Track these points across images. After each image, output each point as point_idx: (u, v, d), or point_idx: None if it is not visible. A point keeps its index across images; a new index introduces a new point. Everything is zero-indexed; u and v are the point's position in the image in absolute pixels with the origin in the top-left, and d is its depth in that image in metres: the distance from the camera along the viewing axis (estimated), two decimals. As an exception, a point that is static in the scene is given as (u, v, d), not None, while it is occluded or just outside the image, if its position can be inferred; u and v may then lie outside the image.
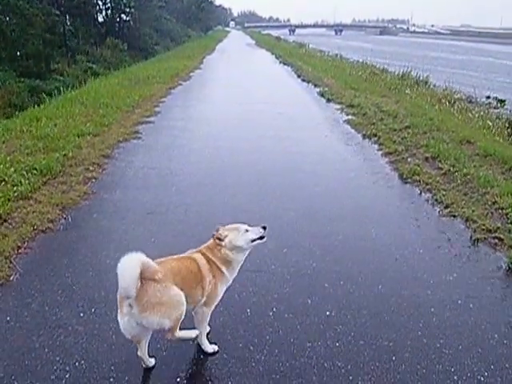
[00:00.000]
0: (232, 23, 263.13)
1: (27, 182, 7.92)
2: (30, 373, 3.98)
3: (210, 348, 4.30)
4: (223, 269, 4.19)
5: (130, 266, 3.50)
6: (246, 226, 4.27)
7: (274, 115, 15.56)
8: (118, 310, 3.71)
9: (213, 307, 4.22)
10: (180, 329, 3.89)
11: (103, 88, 19.11)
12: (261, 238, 4.27)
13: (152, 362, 4.07)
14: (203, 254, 4.14)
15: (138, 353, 3.98)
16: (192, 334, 4.08)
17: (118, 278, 3.49)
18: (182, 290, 3.82)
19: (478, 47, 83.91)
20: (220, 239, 4.16)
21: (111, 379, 3.93)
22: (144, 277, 3.55)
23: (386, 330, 4.66)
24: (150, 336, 3.96)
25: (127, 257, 3.52)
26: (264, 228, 4.29)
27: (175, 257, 4.10)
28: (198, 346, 4.32)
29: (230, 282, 4.31)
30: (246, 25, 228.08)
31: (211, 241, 4.23)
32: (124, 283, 3.50)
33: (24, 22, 25.67)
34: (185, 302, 3.79)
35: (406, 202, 7.98)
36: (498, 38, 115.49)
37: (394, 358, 4.25)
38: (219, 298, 4.24)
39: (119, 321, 3.73)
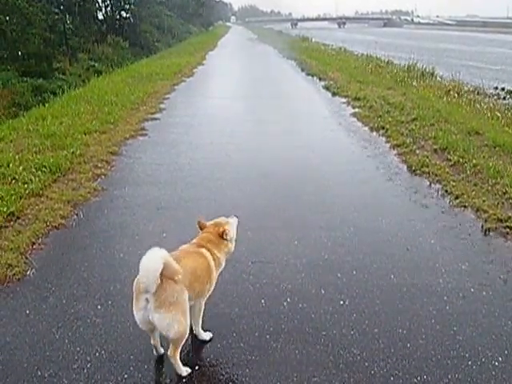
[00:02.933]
0: (233, 18, 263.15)
1: (37, 179, 8.06)
2: (53, 363, 4.11)
3: (207, 335, 4.46)
4: (222, 261, 4.42)
5: (154, 261, 3.60)
6: (228, 219, 4.62)
7: (279, 109, 15.68)
8: (134, 303, 3.81)
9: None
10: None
11: (107, 86, 19.24)
12: None
13: (162, 350, 4.18)
14: (208, 249, 4.28)
15: (152, 341, 4.12)
16: (183, 372, 4.03)
17: (139, 271, 3.61)
18: (195, 287, 4.01)
19: (484, 37, 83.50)
20: (226, 234, 4.39)
21: (131, 368, 4.05)
22: (164, 274, 3.65)
23: (399, 318, 4.75)
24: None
25: (152, 252, 3.62)
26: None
27: (185, 252, 4.22)
28: (217, 334, 4.48)
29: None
30: (247, 19, 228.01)
31: (209, 235, 4.40)
32: (146, 278, 3.60)
33: (24, 21, 25.71)
34: (189, 320, 3.94)
35: (416, 193, 8.06)
36: (505, 28, 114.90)
37: (408, 345, 4.35)
38: (213, 287, 4.38)
39: (134, 313, 3.83)
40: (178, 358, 3.97)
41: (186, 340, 4.05)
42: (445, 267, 5.68)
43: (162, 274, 3.62)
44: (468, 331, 4.55)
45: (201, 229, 4.52)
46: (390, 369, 4.07)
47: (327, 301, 5.04)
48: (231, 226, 4.54)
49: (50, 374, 4.01)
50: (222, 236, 4.38)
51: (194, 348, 4.35)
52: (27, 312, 4.84)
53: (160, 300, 3.68)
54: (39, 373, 4.01)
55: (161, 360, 4.17)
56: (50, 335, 4.48)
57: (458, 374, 4.01)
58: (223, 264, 4.45)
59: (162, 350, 4.18)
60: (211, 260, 4.23)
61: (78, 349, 4.29)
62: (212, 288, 4.33)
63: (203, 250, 4.25)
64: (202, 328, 4.44)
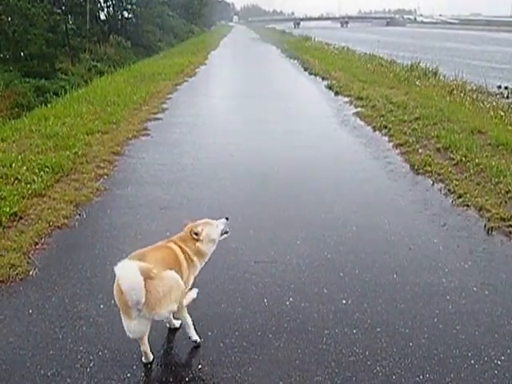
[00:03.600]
0: (235, 18, 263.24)
1: (40, 179, 8.09)
2: (56, 362, 4.14)
3: (177, 323, 4.51)
4: (195, 259, 4.39)
5: (134, 277, 3.59)
6: (215, 221, 4.56)
7: (281, 109, 15.71)
8: (124, 317, 3.82)
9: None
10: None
11: (109, 86, 19.28)
12: (226, 232, 4.59)
13: (151, 356, 4.18)
14: (176, 244, 4.32)
15: (142, 348, 4.11)
16: (193, 295, 4.29)
17: (124, 291, 3.61)
18: None
19: (488, 36, 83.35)
20: (197, 234, 4.37)
21: (134, 367, 4.08)
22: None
23: (402, 317, 4.77)
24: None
25: (126, 270, 3.63)
26: (226, 219, 4.63)
27: (150, 247, 4.24)
28: (220, 333, 4.50)
29: (198, 272, 4.50)
30: (249, 19, 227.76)
31: (183, 233, 4.43)
32: (133, 294, 3.61)
33: (26, 22, 25.82)
34: (179, 278, 3.99)
35: (419, 192, 8.08)
36: (509, 26, 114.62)
37: (410, 344, 4.37)
38: (189, 286, 4.40)
39: (125, 326, 3.85)
40: (183, 306, 4.16)
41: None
42: (447, 266, 5.70)
43: None
44: (470, 330, 4.56)
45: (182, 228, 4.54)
46: (392, 368, 4.09)
47: (330, 300, 5.06)
48: (210, 227, 4.49)
49: (53, 373, 4.03)
50: (191, 234, 4.38)
51: (196, 347, 4.36)
52: (30, 312, 4.87)
53: (148, 303, 3.71)
54: (42, 372, 4.04)
55: (164, 359, 4.20)
56: (53, 335, 4.50)
57: (461, 373, 4.03)
58: (197, 263, 4.42)
59: (151, 357, 4.17)
60: (180, 253, 4.25)
61: (81, 348, 4.31)
62: (188, 286, 4.33)
63: (170, 244, 4.30)
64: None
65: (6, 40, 25.29)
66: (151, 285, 3.71)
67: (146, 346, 4.11)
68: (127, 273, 3.61)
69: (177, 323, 4.42)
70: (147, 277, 3.68)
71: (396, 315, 4.80)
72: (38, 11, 27.10)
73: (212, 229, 4.48)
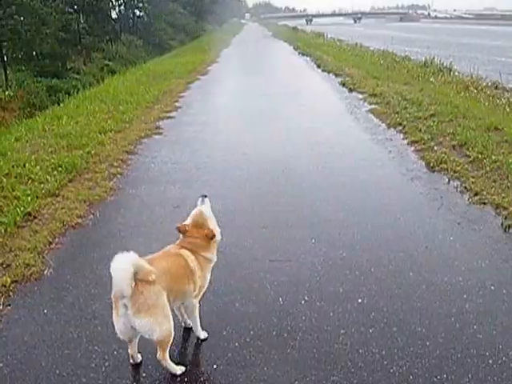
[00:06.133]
0: (247, 15, 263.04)
1: (53, 179, 8.15)
2: (71, 362, 4.17)
3: (204, 334, 4.45)
4: (214, 256, 4.39)
5: (123, 265, 3.59)
6: (201, 208, 4.45)
7: (295, 106, 15.67)
8: (114, 312, 3.82)
9: (201, 296, 4.37)
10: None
11: (121, 85, 19.39)
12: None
13: (140, 358, 4.17)
14: (191, 251, 4.22)
15: (129, 350, 4.10)
16: (177, 371, 4.05)
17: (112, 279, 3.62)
18: (173, 288, 3.98)
19: (503, 31, 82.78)
20: (213, 237, 4.33)
21: (149, 366, 4.09)
22: (138, 278, 3.63)
23: (418, 316, 4.75)
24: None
25: (119, 256, 3.61)
26: (205, 196, 4.60)
27: (162, 253, 4.23)
28: (234, 333, 4.51)
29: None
30: (261, 16, 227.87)
31: (198, 240, 4.30)
32: (118, 282, 3.60)
33: (38, 21, 25.89)
34: (172, 321, 3.90)
35: (435, 190, 8.03)
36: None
37: (427, 344, 4.35)
38: (205, 287, 4.37)
39: (115, 322, 3.84)
40: (167, 359, 3.97)
41: (206, 340, 4.12)
42: (464, 265, 5.66)
43: (136, 278, 3.62)
44: (488, 329, 4.54)
45: (182, 233, 4.38)
46: (409, 367, 4.07)
47: (345, 299, 5.04)
48: (211, 219, 4.45)
49: (68, 372, 4.06)
50: (211, 238, 4.33)
51: (210, 347, 4.37)
52: (45, 311, 4.90)
53: (138, 304, 3.67)
54: (57, 372, 4.06)
55: (179, 359, 4.20)
56: (68, 334, 4.53)
57: (479, 372, 4.00)
58: (214, 258, 4.39)
59: (139, 358, 4.17)
60: (192, 260, 4.17)
61: (96, 348, 4.34)
62: (203, 289, 4.32)
63: (183, 252, 4.20)
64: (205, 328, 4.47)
65: (19, 39, 25.37)
66: (147, 287, 3.69)
67: (132, 350, 4.10)
68: (120, 259, 3.60)
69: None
70: (145, 278, 3.66)
71: (412, 314, 4.78)
72: (50, 10, 27.22)
73: (213, 220, 4.46)
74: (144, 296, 3.68)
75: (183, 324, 4.49)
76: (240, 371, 4.07)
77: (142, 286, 3.66)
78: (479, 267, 5.63)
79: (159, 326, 3.76)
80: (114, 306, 3.80)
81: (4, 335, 4.55)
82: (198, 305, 4.35)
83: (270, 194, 8.05)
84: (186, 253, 4.19)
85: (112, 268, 3.58)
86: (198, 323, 4.43)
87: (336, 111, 14.84)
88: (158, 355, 3.93)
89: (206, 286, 4.37)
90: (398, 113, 13.20)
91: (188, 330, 4.51)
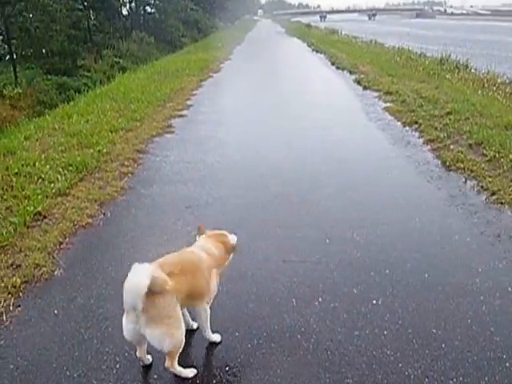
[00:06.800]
0: (260, 11, 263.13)
1: (63, 178, 8.18)
2: (82, 363, 4.18)
3: (216, 337, 4.44)
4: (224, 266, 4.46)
5: (139, 282, 3.51)
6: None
7: (309, 105, 15.67)
8: (125, 315, 3.78)
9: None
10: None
11: (132, 82, 19.44)
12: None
13: (150, 359, 4.16)
14: (214, 258, 4.26)
15: (137, 353, 4.10)
16: (189, 374, 4.05)
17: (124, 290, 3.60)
18: (192, 291, 4.00)
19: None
20: (235, 247, 4.45)
21: (160, 368, 4.08)
22: (153, 290, 3.57)
23: (434, 318, 4.74)
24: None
25: (136, 272, 3.54)
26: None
27: (185, 253, 4.25)
28: (247, 334, 4.52)
29: None
30: (274, 13, 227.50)
31: (219, 245, 4.38)
32: (130, 299, 3.58)
33: (48, 18, 25.99)
34: (184, 330, 3.88)
35: (451, 189, 8.01)
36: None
37: (443, 346, 4.34)
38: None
39: (124, 326, 3.80)
40: (176, 366, 3.95)
41: (218, 343, 4.17)
42: (481, 266, 5.64)
43: (149, 290, 3.54)
44: (505, 332, 4.52)
45: (201, 234, 4.48)
46: (424, 370, 4.06)
47: (359, 300, 5.04)
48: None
49: (79, 374, 4.07)
50: (231, 250, 4.43)
51: (223, 349, 4.38)
52: (55, 312, 4.92)
53: (151, 315, 3.64)
54: (68, 373, 4.08)
55: (191, 361, 4.21)
56: (79, 335, 4.55)
57: (495, 375, 3.99)
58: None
59: (147, 361, 4.16)
60: (212, 268, 4.21)
61: (107, 349, 4.35)
62: (213, 295, 4.32)
63: (205, 256, 4.22)
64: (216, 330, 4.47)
65: (28, 37, 25.50)
66: (161, 299, 3.65)
67: (141, 353, 4.10)
68: (137, 276, 3.54)
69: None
70: (160, 289, 3.62)
71: (428, 316, 4.77)
72: (59, 7, 27.30)
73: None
74: (158, 308, 3.66)
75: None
76: (253, 373, 4.08)
77: (157, 297, 3.63)
78: (496, 268, 5.61)
79: (170, 337, 3.75)
80: (125, 310, 3.76)
81: (14, 336, 4.58)
82: (208, 312, 4.33)
83: (284, 193, 8.04)
84: (207, 258, 4.21)
85: (127, 284, 3.56)
86: (209, 328, 4.40)
87: (350, 109, 14.83)
88: (166, 364, 3.93)
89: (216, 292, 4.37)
90: (413, 111, 13.19)
91: (200, 331, 4.51)
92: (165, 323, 3.70)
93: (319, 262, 5.82)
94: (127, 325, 3.77)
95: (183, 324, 3.88)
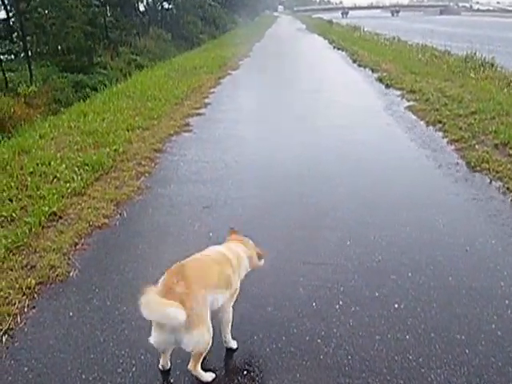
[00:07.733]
0: (280, 7, 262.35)
1: (79, 178, 8.24)
2: (97, 366, 4.22)
3: (234, 344, 4.43)
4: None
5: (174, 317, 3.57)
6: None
7: (329, 103, 15.64)
8: (155, 326, 3.81)
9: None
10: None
11: (149, 80, 19.51)
12: None
13: (169, 364, 4.17)
14: (238, 258, 4.32)
15: (162, 361, 4.13)
16: (208, 378, 4.05)
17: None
18: (222, 291, 4.06)
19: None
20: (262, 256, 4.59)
21: (177, 371, 4.12)
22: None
23: (457, 322, 4.72)
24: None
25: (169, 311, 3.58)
26: None
27: (210, 257, 4.25)
28: (266, 338, 4.53)
29: None
30: (295, 9, 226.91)
31: (251, 250, 4.50)
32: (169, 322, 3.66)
33: (63, 14, 26.03)
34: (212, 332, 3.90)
35: (476, 190, 7.97)
36: None
37: (467, 351, 4.32)
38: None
39: (156, 334, 3.80)
40: (199, 369, 3.96)
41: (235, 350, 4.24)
42: (506, 269, 5.62)
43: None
44: (532, 337, 4.51)
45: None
46: (447, 376, 4.05)
47: (381, 304, 5.04)
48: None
49: (95, 377, 4.10)
50: (258, 257, 4.54)
51: (241, 352, 4.40)
52: (71, 314, 4.96)
53: (190, 320, 3.65)
54: (83, 376, 4.11)
55: (209, 365, 4.20)
56: (94, 338, 4.58)
57: (521, 382, 3.98)
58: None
59: (169, 365, 4.17)
60: (233, 267, 4.24)
61: (123, 352, 4.38)
62: (235, 295, 4.35)
63: (243, 256, 4.35)
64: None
65: (44, 34, 25.60)
66: (196, 302, 3.70)
67: (165, 361, 4.13)
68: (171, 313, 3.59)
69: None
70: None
71: (451, 320, 4.76)
72: (75, 3, 27.37)
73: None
74: (193, 313, 3.67)
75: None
76: (272, 377, 4.09)
77: (189, 301, 3.66)
78: (522, 272, 5.59)
79: (204, 339, 3.79)
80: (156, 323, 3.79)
81: (29, 338, 4.62)
82: (231, 314, 4.34)
83: (304, 194, 8.04)
84: (231, 257, 4.27)
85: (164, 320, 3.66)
86: (229, 333, 4.43)
87: (372, 108, 14.75)
88: (189, 365, 3.93)
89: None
90: (437, 110, 13.14)
91: (217, 336, 4.52)
92: (201, 327, 3.74)
93: (340, 264, 5.82)
94: (161, 334, 3.77)
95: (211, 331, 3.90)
